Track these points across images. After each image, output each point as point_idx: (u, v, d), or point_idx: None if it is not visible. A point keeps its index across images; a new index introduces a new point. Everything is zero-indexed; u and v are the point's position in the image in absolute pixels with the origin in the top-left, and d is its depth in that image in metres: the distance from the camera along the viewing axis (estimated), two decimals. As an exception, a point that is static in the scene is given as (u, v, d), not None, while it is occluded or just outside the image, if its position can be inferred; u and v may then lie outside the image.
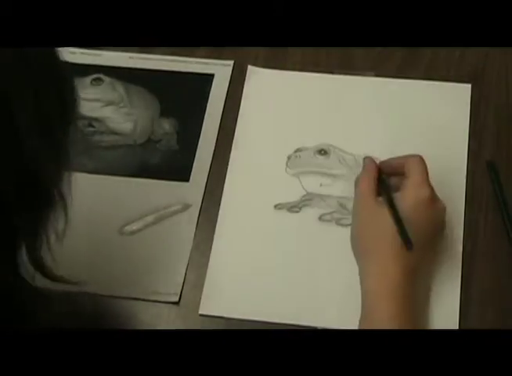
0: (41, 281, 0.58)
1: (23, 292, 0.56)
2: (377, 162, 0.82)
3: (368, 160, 0.82)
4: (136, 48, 0.96)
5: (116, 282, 0.81)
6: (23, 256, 0.56)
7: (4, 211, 0.52)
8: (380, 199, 0.78)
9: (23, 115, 0.51)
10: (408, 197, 0.77)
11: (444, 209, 0.79)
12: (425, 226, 0.77)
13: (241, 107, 0.93)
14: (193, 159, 0.89)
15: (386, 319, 0.72)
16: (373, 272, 0.76)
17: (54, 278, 0.58)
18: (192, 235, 0.85)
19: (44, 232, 0.57)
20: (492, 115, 0.90)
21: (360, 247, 0.79)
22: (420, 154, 0.87)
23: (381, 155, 0.86)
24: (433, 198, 0.77)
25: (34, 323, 0.56)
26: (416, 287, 0.76)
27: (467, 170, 0.86)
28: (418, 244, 0.75)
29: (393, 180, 0.81)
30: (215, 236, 0.84)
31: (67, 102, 0.57)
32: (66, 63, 0.56)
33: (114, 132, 0.92)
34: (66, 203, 0.58)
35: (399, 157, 0.81)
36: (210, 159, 0.89)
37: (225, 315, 0.80)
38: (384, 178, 0.80)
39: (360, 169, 0.84)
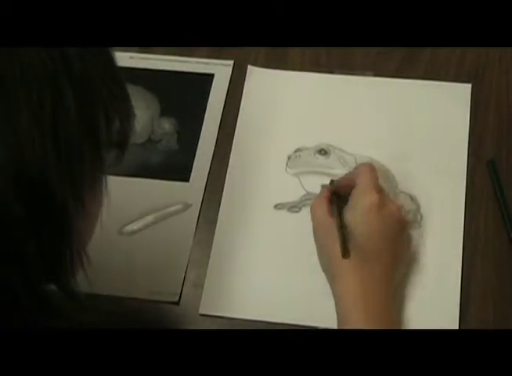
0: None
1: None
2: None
3: (322, 187, 0.83)
4: (136, 48, 0.96)
5: (116, 282, 0.81)
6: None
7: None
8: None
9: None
10: (353, 205, 0.77)
11: (396, 211, 0.77)
12: (376, 232, 0.76)
13: (241, 107, 0.93)
14: (193, 159, 0.89)
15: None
16: (336, 287, 0.76)
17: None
18: (192, 235, 0.85)
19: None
20: (492, 115, 0.90)
21: (323, 265, 0.79)
22: (420, 154, 0.87)
23: (380, 155, 0.87)
24: (379, 203, 0.76)
25: (33, 322, 0.56)
26: (390, 294, 0.76)
27: (467, 170, 0.86)
28: (372, 250, 0.76)
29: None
30: (215, 236, 0.84)
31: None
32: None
33: (114, 132, 0.92)
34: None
35: (352, 170, 0.82)
36: (210, 159, 0.89)
37: (225, 315, 0.80)
38: (335, 197, 0.80)
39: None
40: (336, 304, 0.76)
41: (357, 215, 0.77)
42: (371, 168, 0.79)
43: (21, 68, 0.49)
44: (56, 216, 0.52)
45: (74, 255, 0.55)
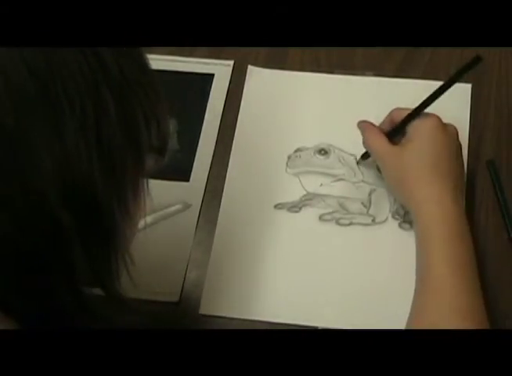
0: None
1: None
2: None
3: (361, 122, 0.84)
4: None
5: (116, 282, 0.81)
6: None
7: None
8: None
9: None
10: (416, 127, 0.80)
11: (456, 131, 0.81)
12: (445, 150, 0.79)
13: (241, 107, 0.93)
14: (193, 159, 0.89)
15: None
16: (427, 199, 0.78)
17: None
18: (192, 235, 0.85)
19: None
20: (492, 115, 0.90)
21: (401, 198, 0.82)
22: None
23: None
24: (443, 123, 0.80)
25: (72, 324, 0.57)
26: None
27: (467, 169, 0.86)
28: (443, 167, 0.78)
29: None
30: (215, 236, 0.84)
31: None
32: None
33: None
34: None
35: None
36: (210, 159, 0.90)
37: (225, 314, 0.80)
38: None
39: (359, 169, 0.85)
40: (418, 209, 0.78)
41: (423, 135, 0.79)
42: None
43: (62, 80, 0.49)
44: (103, 221, 0.53)
45: (119, 258, 0.57)
